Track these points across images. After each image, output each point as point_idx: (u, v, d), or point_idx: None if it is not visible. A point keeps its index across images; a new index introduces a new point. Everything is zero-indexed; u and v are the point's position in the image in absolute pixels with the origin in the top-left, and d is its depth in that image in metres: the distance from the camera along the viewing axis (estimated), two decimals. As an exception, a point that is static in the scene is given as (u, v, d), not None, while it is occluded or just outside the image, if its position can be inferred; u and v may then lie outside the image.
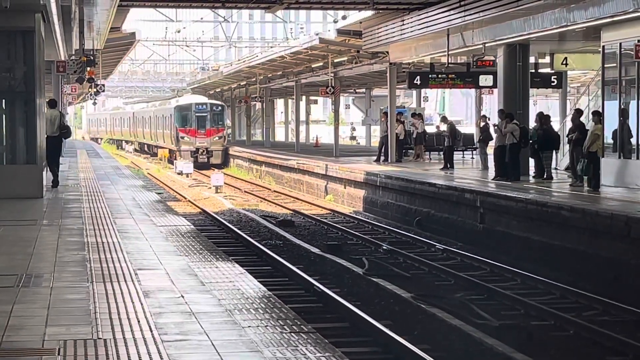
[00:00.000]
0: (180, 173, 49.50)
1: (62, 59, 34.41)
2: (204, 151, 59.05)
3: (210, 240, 16.65)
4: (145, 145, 79.98)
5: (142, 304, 10.13)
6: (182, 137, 59.57)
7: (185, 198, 35.80)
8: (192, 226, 18.13)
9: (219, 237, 24.05)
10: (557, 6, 23.55)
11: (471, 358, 12.00)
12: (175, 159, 58.29)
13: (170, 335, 8.71)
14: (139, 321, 9.28)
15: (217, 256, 13.95)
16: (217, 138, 59.71)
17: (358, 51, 39.79)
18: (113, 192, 25.60)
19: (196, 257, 13.73)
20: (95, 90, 50.42)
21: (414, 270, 19.37)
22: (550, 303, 15.80)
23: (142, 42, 63.06)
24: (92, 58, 31.80)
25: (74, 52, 35.19)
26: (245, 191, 40.62)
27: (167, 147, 64.89)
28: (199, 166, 56.98)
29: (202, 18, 70.41)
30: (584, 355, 12.90)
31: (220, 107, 61.66)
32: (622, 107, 23.53)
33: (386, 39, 34.12)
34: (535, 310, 15.13)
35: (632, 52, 21.61)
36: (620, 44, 22.96)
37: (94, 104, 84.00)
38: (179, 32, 68.51)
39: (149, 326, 9.08)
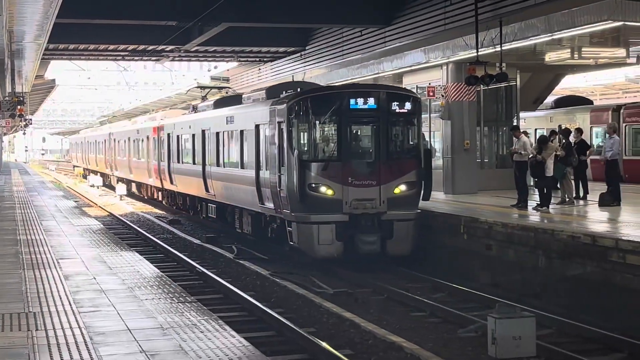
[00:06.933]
0: (93, 186, 47.91)
1: (-2, 99, 33.25)
2: (373, 221, 15.23)
3: (116, 236, 16.40)
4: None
5: (63, 285, 9.96)
6: (315, 186, 15.13)
7: (96, 204, 34.95)
8: (102, 225, 17.83)
9: (123, 233, 23.55)
10: (372, 59, 24.12)
11: (314, 316, 12.14)
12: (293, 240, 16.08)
13: (85, 307, 8.60)
14: (60, 298, 9.14)
15: (122, 247, 13.76)
16: (404, 187, 15.47)
17: (227, 92, 39.69)
18: (40, 201, 24.94)
19: (105, 249, 13.55)
20: (24, 123, 48.77)
21: (272, 254, 19.39)
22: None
23: (61, 86, 61.50)
24: (21, 99, 30.78)
25: (7, 94, 34.04)
26: (146, 198, 39.85)
27: (249, 208, 18.74)
28: (352, 257, 15.51)
29: (107, 67, 68.98)
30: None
31: (412, 104, 15.79)
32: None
33: (247, 83, 34.36)
34: (358, 279, 15.31)
35: (425, 92, 22.28)
36: (417, 86, 23.61)
37: (24, 134, 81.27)
38: (89, 78, 67.08)
39: (69, 301, 8.96)
